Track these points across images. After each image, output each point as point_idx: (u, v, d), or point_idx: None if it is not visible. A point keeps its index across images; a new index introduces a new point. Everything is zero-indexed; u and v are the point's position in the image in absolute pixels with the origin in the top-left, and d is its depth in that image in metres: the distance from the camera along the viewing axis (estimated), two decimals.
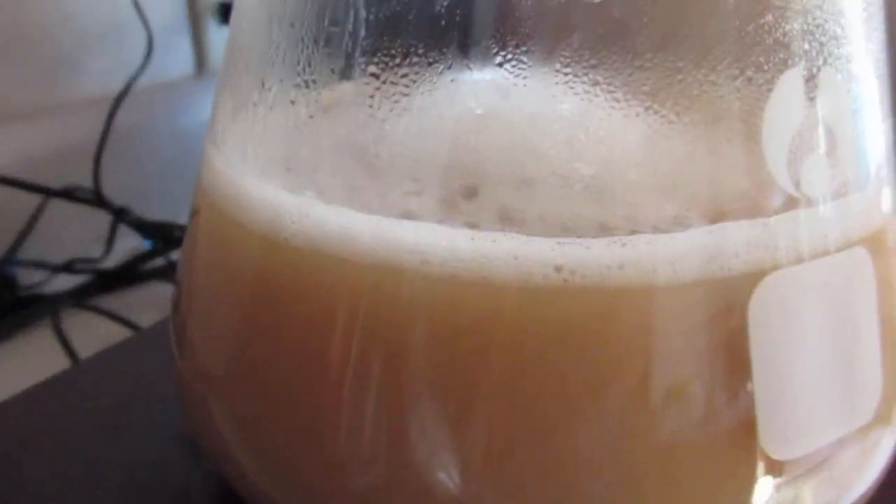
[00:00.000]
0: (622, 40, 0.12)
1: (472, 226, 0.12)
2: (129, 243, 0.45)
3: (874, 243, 0.14)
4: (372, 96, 0.13)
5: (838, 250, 0.13)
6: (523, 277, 0.12)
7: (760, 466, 0.13)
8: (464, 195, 0.12)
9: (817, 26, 0.13)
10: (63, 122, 0.47)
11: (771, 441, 0.12)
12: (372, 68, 0.13)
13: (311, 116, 0.13)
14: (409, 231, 0.12)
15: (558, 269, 0.12)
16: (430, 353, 0.12)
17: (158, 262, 0.43)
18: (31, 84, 0.47)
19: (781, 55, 0.12)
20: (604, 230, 0.12)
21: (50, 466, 0.20)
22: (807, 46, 0.13)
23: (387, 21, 0.13)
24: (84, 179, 0.43)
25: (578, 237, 0.12)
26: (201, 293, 0.17)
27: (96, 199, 0.38)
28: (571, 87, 0.12)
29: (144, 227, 0.40)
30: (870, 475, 0.15)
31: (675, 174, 0.12)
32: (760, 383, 0.12)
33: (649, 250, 0.12)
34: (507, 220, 0.12)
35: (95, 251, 0.43)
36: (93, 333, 0.38)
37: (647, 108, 0.12)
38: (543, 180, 0.12)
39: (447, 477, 0.13)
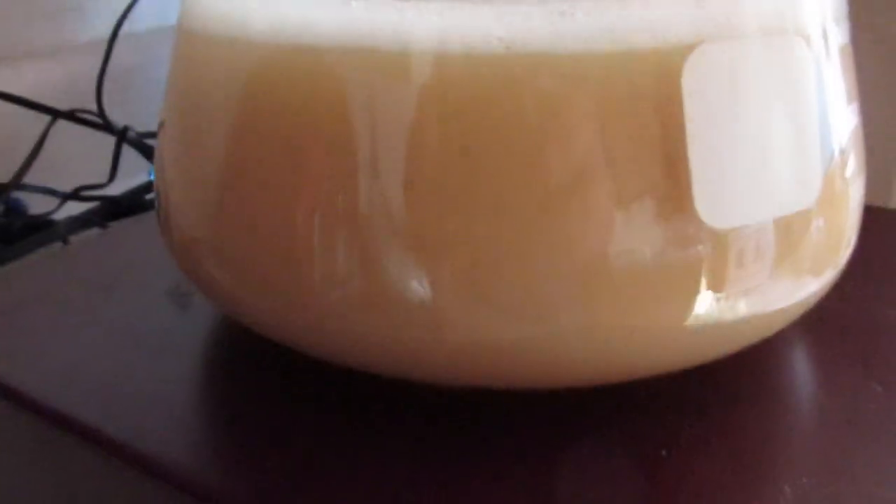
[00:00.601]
0: None
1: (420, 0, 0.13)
2: (134, 175, 0.46)
3: (815, 40, 0.14)
4: None
5: (773, 34, 0.14)
6: (469, 47, 0.13)
7: (698, 236, 0.13)
8: None
9: None
10: (67, 63, 0.48)
11: (706, 206, 0.13)
12: None
13: None
14: (362, 10, 0.13)
15: (500, 38, 0.13)
16: (390, 128, 0.13)
17: None
18: (37, 27, 0.49)
19: None
20: (544, 1, 0.13)
21: (50, 320, 0.21)
22: None
23: None
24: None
25: (520, 7, 0.13)
26: (178, 160, 0.18)
27: (101, 121, 0.39)
28: None
29: (146, 148, 0.41)
30: (810, 283, 0.16)
31: None
32: (695, 149, 0.13)
33: (587, 21, 0.13)
34: None
35: (101, 178, 0.44)
36: None
37: None
38: None
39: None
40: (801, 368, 0.18)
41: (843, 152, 0.15)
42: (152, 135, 0.45)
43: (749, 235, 0.14)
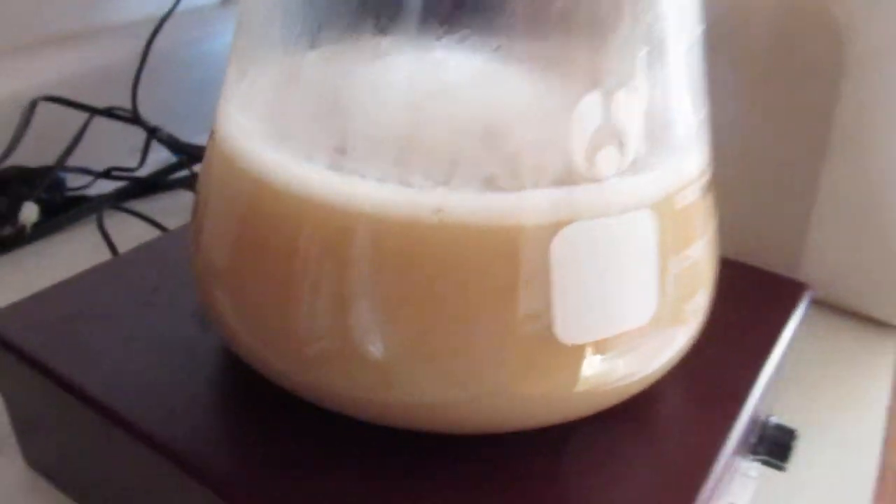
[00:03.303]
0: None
1: (377, 180, 0.19)
2: (161, 156, 0.52)
3: (660, 205, 0.20)
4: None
5: (623, 212, 0.19)
6: (411, 216, 0.19)
7: (557, 349, 0.20)
8: (347, 152, 0.19)
9: (620, 56, 0.19)
10: (103, 45, 0.54)
11: (562, 330, 0.19)
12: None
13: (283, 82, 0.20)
14: (336, 181, 0.19)
15: (436, 210, 0.19)
16: (351, 267, 0.19)
17: (184, 172, 0.50)
18: (74, 11, 0.54)
19: (585, 78, 0.18)
20: (488, 185, 0.19)
21: (103, 330, 0.28)
22: (608, 74, 0.19)
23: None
24: (122, 97, 0.49)
25: (450, 191, 0.19)
26: (211, 207, 0.24)
27: (134, 117, 0.45)
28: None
29: (173, 144, 0.47)
30: (660, 357, 0.22)
31: (514, 153, 0.19)
32: (557, 294, 0.19)
33: (491, 204, 0.19)
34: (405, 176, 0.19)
35: (132, 162, 0.50)
36: (127, 231, 0.45)
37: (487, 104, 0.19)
38: (420, 148, 0.19)
39: (363, 344, 0.20)
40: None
41: (686, 277, 0.22)
42: (181, 143, 0.50)
43: (599, 343, 0.20)
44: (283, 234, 0.20)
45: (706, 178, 0.23)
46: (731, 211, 0.42)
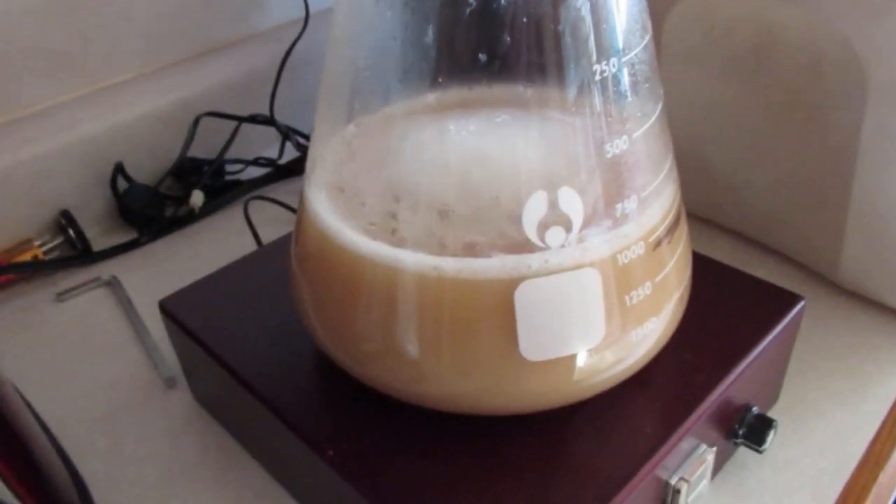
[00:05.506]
0: None
1: (399, 242, 0.27)
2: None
3: (603, 264, 0.27)
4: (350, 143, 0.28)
5: (573, 269, 0.27)
6: (420, 271, 0.27)
7: (522, 362, 0.28)
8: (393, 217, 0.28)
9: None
10: (250, 51, 0.64)
11: (525, 350, 0.27)
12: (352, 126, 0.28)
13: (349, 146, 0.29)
14: (370, 243, 0.28)
15: (436, 268, 0.27)
16: (391, 300, 0.28)
17: None
18: (226, 23, 0.64)
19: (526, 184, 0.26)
20: (469, 251, 0.27)
21: (236, 314, 0.39)
22: (546, 177, 0.26)
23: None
24: (266, 96, 0.60)
25: (441, 253, 0.27)
26: (298, 247, 0.33)
27: (271, 121, 0.56)
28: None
29: (302, 146, 0.58)
30: (614, 369, 0.30)
31: (495, 229, 0.27)
32: (520, 327, 0.27)
33: (472, 265, 0.27)
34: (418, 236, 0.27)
35: (275, 150, 0.62)
36: (267, 211, 0.57)
37: (475, 189, 0.27)
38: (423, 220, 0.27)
39: (403, 351, 0.29)
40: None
41: (634, 312, 0.29)
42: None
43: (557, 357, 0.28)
44: (342, 274, 0.30)
45: (659, 232, 0.29)
46: (778, 216, 0.47)
